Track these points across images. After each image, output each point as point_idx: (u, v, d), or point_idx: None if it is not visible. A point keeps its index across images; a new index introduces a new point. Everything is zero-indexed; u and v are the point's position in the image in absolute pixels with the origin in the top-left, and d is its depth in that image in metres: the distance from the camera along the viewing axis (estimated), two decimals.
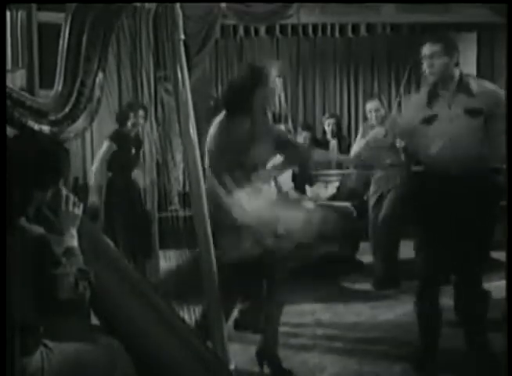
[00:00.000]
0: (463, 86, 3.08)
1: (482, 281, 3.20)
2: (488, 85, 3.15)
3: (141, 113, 4.67)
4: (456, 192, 3.02)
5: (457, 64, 3.11)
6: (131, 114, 4.65)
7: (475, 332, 3.17)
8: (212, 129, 3.06)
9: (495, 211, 3.17)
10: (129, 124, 4.65)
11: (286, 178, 5.42)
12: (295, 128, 7.09)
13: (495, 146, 3.04)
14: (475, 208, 3.03)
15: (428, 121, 3.11)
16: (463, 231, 3.06)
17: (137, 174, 4.86)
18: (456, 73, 3.10)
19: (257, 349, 3.19)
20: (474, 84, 3.09)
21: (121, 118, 4.67)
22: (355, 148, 5.02)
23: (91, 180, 4.68)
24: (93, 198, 4.57)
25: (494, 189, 3.08)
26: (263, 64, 3.08)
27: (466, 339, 3.18)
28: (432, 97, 3.15)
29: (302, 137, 6.31)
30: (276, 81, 3.09)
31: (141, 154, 4.84)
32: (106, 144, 4.60)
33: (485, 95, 3.05)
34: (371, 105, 5.10)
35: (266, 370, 3.16)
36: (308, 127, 6.76)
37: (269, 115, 3.22)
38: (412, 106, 3.34)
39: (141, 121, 4.66)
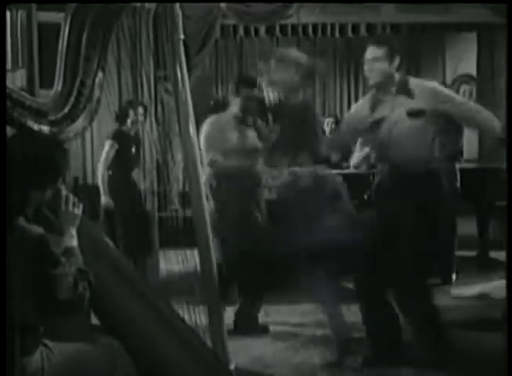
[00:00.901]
0: (402, 88, 3.13)
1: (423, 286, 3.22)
2: (428, 84, 3.22)
3: (140, 110, 4.67)
4: (405, 194, 3.06)
5: (398, 68, 3.15)
6: (131, 112, 4.66)
7: (425, 330, 3.18)
8: None
9: (436, 212, 3.18)
10: (129, 121, 4.66)
11: None
12: None
13: (443, 143, 3.21)
14: (418, 209, 3.06)
15: (377, 123, 3.16)
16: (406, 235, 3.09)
17: (137, 173, 4.87)
18: (396, 76, 3.15)
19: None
20: (414, 86, 3.14)
21: (121, 116, 4.67)
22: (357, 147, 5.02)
23: (100, 183, 4.67)
24: (106, 199, 4.58)
25: (434, 190, 3.13)
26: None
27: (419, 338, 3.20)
28: (375, 101, 3.20)
29: None
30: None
31: (141, 153, 4.84)
32: (108, 143, 4.61)
33: (425, 95, 3.10)
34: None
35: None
36: None
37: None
38: (358, 109, 3.42)
39: (140, 118, 4.67)
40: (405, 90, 3.12)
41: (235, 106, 3.85)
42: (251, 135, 3.89)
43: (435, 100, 3.08)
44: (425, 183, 3.08)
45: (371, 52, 3.11)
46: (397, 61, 3.12)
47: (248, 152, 3.85)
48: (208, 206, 2.96)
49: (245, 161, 3.80)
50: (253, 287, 3.77)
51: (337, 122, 6.48)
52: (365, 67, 3.14)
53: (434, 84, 3.23)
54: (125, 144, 4.63)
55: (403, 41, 7.56)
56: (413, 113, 3.06)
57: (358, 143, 5.28)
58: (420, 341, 3.19)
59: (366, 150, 4.83)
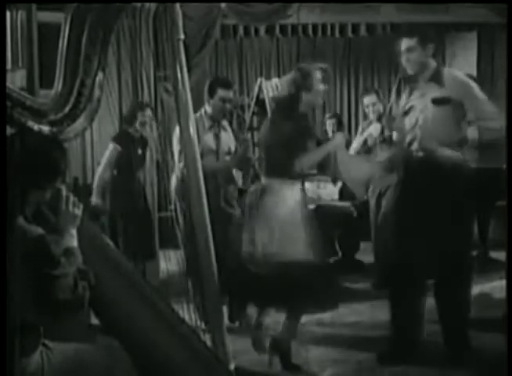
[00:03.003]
0: (435, 76, 3.16)
1: (463, 281, 3.20)
2: (461, 76, 3.23)
3: (148, 112, 4.67)
4: (426, 185, 3.08)
5: (434, 55, 3.19)
6: (139, 114, 4.66)
7: (453, 330, 3.19)
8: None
9: (466, 205, 3.18)
10: (137, 123, 4.67)
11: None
12: None
13: (456, 132, 3.14)
14: (447, 202, 3.07)
15: (407, 112, 3.21)
16: (439, 227, 3.09)
17: (140, 173, 4.87)
18: (432, 64, 3.18)
19: (270, 341, 3.17)
20: (447, 75, 3.17)
21: (129, 118, 4.69)
22: (354, 145, 5.02)
23: (94, 182, 4.68)
24: (96, 200, 4.58)
25: (460, 181, 3.11)
26: (309, 68, 3.16)
27: (444, 336, 3.21)
28: (411, 89, 3.25)
29: None
30: (320, 87, 3.18)
31: (147, 155, 4.85)
32: (110, 146, 4.62)
33: (455, 85, 3.12)
34: (368, 99, 5.07)
35: (275, 362, 3.16)
36: None
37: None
38: (400, 100, 3.44)
39: (148, 120, 4.67)
40: (437, 78, 3.14)
41: (208, 107, 3.85)
42: (225, 136, 3.90)
43: (464, 92, 3.10)
44: (453, 172, 3.08)
45: (405, 43, 3.16)
46: (431, 48, 3.16)
47: (223, 154, 3.87)
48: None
49: (220, 163, 3.84)
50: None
51: (340, 122, 6.45)
52: (402, 58, 3.17)
53: (469, 80, 3.23)
54: (130, 145, 4.64)
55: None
56: (438, 101, 3.08)
57: (359, 131, 5.27)
58: (446, 339, 3.21)
59: (361, 138, 4.83)
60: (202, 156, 3.58)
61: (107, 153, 4.62)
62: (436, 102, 3.10)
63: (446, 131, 3.11)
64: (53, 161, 2.00)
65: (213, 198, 3.54)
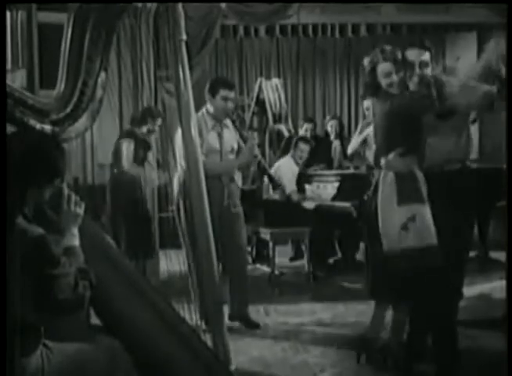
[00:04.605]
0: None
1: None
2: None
3: (159, 122, 4.71)
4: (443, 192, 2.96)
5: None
6: (149, 120, 4.70)
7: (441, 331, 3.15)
8: None
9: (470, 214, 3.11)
10: (145, 129, 4.71)
11: (290, 180, 5.44)
12: (295, 128, 7.10)
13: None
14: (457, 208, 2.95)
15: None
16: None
17: (138, 173, 4.88)
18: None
19: (380, 347, 3.18)
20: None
21: (138, 120, 4.73)
22: (353, 144, 5.01)
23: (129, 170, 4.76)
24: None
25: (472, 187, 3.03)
26: (377, 58, 3.09)
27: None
28: None
29: (304, 129, 6.33)
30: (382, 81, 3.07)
31: (147, 158, 4.88)
32: (125, 143, 4.65)
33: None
34: (368, 102, 5.07)
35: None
36: (310, 119, 6.78)
37: None
38: None
39: (156, 128, 4.72)
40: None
41: (210, 106, 3.84)
42: (228, 135, 3.90)
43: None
44: (463, 181, 2.99)
45: (418, 54, 2.99)
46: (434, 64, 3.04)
47: (226, 153, 3.87)
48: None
49: (225, 162, 3.84)
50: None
51: (341, 124, 6.44)
52: (415, 71, 2.97)
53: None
54: (137, 146, 4.68)
55: (403, 41, 7.57)
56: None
57: (357, 129, 5.25)
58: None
59: (361, 137, 4.80)
60: (206, 155, 3.58)
61: (125, 150, 4.64)
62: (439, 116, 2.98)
63: (459, 141, 3.02)
64: (52, 160, 2.00)
65: (216, 197, 3.55)
